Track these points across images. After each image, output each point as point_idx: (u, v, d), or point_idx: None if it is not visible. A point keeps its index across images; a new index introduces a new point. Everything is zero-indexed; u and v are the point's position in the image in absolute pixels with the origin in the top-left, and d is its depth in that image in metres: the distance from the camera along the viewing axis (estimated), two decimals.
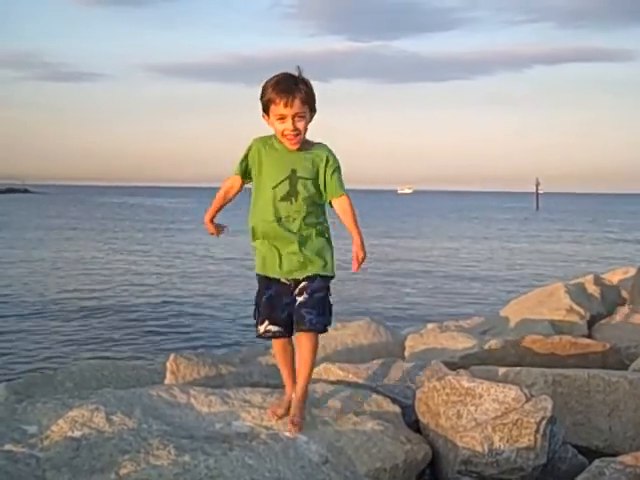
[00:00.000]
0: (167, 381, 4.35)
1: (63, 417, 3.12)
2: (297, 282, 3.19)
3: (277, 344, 3.31)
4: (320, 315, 3.15)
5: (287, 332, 3.23)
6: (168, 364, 4.47)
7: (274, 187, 3.15)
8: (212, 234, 3.40)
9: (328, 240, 3.27)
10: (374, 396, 3.63)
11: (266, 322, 3.22)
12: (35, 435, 2.99)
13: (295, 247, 3.16)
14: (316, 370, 4.13)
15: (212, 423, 3.22)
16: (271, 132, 3.24)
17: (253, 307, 3.33)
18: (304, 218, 3.17)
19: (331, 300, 3.24)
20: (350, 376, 3.96)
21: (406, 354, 5.42)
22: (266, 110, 3.15)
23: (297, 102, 3.07)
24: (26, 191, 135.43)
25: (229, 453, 2.92)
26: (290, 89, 3.07)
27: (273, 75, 3.14)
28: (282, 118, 3.10)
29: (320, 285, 3.18)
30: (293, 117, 3.08)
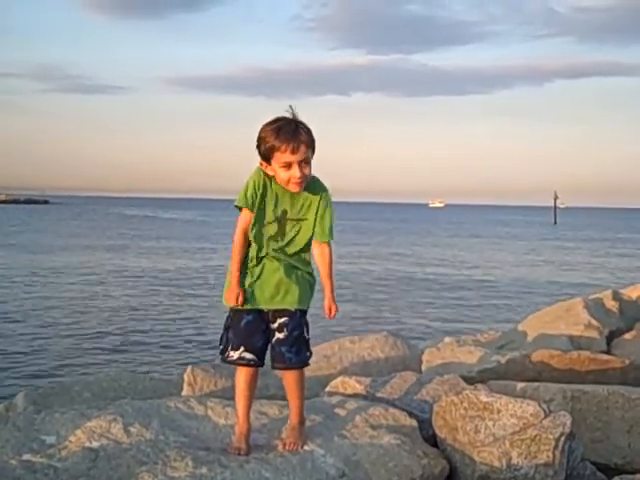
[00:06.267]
0: (184, 393, 4.36)
1: (81, 427, 3.14)
2: (275, 312, 3.13)
3: (248, 373, 3.17)
4: (298, 353, 3.13)
5: (260, 362, 3.16)
6: (185, 376, 4.48)
7: (265, 224, 3.12)
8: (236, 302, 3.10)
9: (311, 275, 3.23)
10: (391, 410, 3.61)
11: (242, 348, 3.11)
12: (53, 445, 3.01)
13: (278, 277, 3.11)
14: (333, 383, 4.13)
15: (229, 435, 3.22)
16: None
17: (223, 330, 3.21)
18: (290, 254, 3.14)
19: (307, 335, 3.18)
20: (367, 389, 3.94)
21: (423, 368, 5.38)
22: (267, 158, 3.04)
23: (303, 147, 2.98)
24: (46, 202, 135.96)
25: (245, 465, 2.92)
26: (294, 135, 2.97)
27: (269, 120, 3.03)
28: (288, 165, 3.00)
29: (299, 321, 3.14)
30: (299, 163, 2.99)
